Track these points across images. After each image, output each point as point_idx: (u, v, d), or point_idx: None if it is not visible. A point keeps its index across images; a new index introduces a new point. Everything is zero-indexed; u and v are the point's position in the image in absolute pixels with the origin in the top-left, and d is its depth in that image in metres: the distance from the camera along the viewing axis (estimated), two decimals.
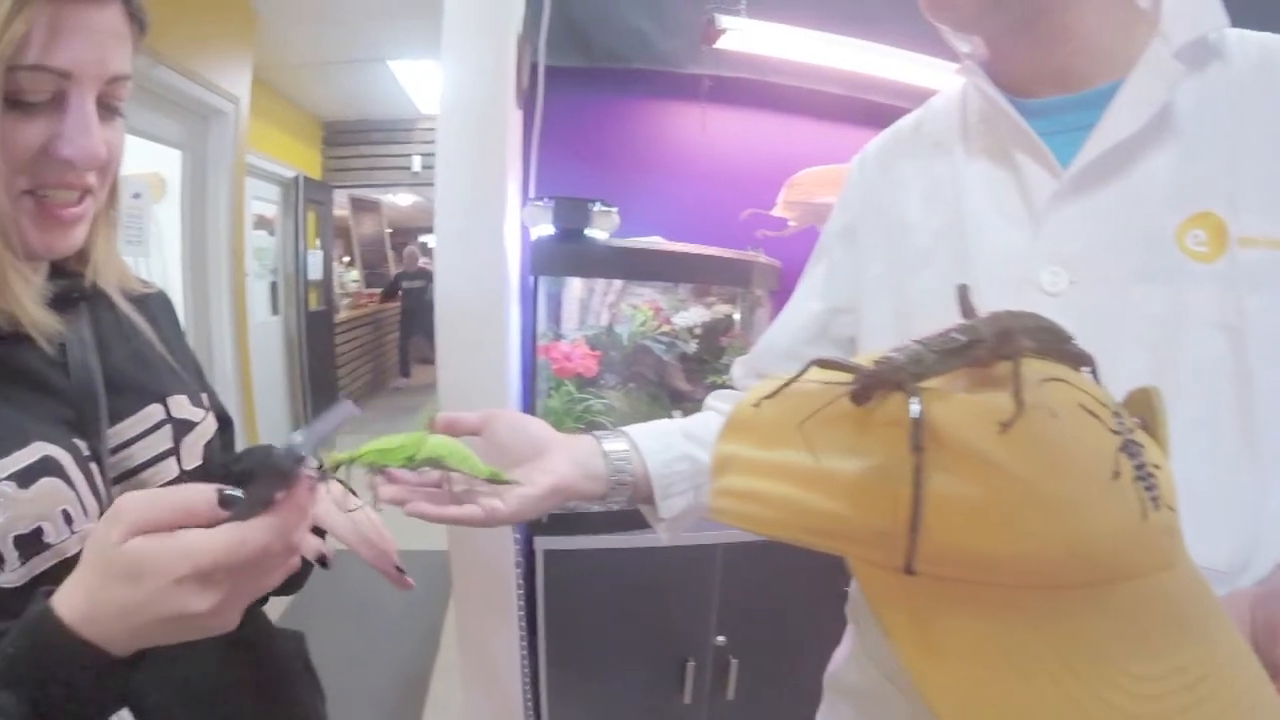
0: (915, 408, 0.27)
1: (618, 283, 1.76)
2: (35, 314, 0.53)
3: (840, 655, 0.78)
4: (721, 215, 2.00)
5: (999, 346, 0.30)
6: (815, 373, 0.33)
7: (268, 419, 4.54)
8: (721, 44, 1.90)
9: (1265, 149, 0.51)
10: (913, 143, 0.72)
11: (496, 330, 1.49)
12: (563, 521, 1.65)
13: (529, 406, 1.74)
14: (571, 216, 1.62)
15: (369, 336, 6.60)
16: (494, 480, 0.65)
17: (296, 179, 5.18)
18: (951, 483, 0.27)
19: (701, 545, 1.71)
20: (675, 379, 1.77)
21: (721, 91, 2.09)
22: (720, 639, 1.78)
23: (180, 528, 0.43)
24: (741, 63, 2.03)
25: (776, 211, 1.98)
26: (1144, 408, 0.34)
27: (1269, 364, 0.48)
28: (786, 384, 0.34)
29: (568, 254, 1.66)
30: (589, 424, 1.68)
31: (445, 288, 1.46)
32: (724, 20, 1.85)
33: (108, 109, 0.55)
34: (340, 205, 6.32)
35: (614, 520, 1.67)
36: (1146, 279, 0.52)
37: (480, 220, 1.48)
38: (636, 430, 0.78)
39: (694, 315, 1.73)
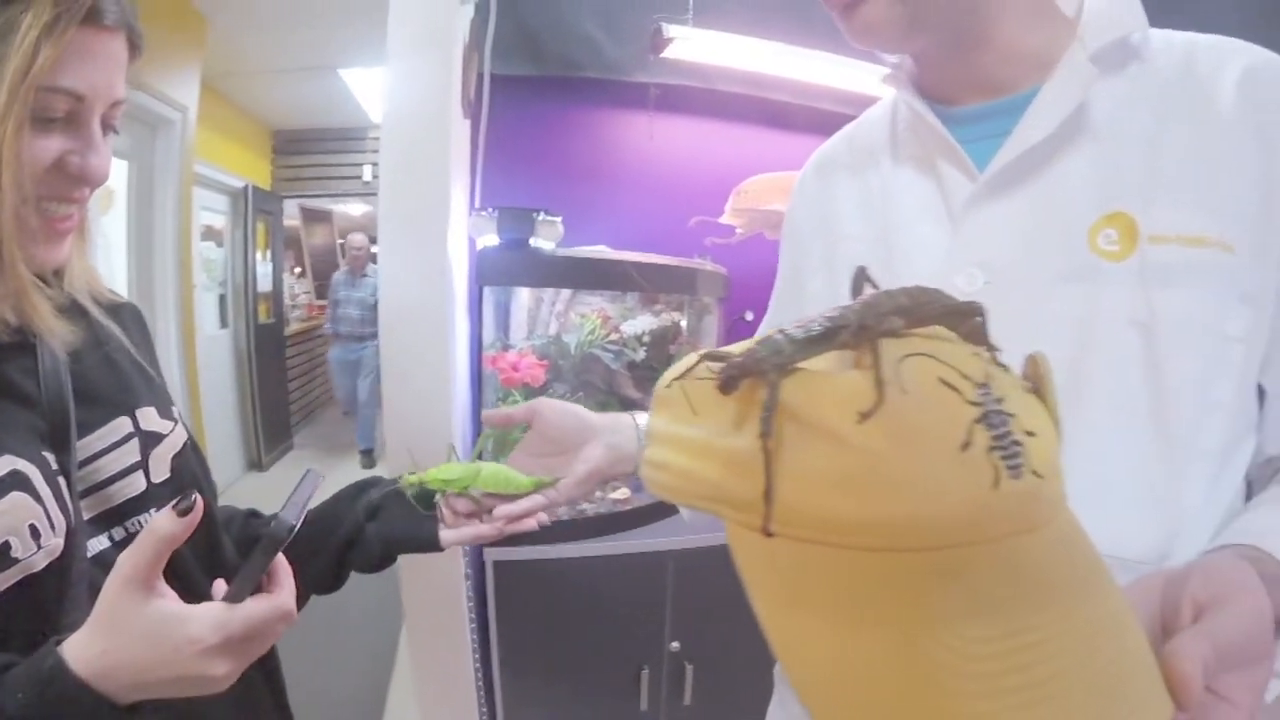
0: (764, 394, 0.30)
1: (566, 292, 1.76)
2: (54, 324, 0.57)
3: None
4: (670, 223, 2.02)
5: (862, 330, 0.32)
6: (705, 364, 0.36)
7: (217, 434, 4.43)
8: (669, 53, 1.92)
9: (1183, 149, 0.52)
10: (849, 155, 0.73)
11: (440, 341, 1.48)
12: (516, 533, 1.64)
13: (476, 418, 1.73)
14: (516, 226, 1.61)
15: (322, 349, 6.41)
16: (539, 487, 0.75)
17: (246, 189, 5.07)
18: (805, 457, 0.30)
19: (653, 552, 1.71)
20: (624, 387, 1.77)
21: (669, 100, 2.10)
22: (675, 645, 1.78)
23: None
24: (689, 71, 2.04)
25: (724, 219, 2.00)
26: (1035, 375, 0.35)
27: (1179, 359, 0.50)
28: (688, 370, 0.37)
29: (513, 264, 1.65)
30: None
31: (389, 298, 1.45)
32: (671, 29, 1.86)
33: (106, 129, 0.58)
34: (290, 215, 6.19)
35: (564, 530, 1.67)
36: (1061, 279, 0.53)
37: (424, 230, 1.47)
38: None
39: (642, 323, 1.74)
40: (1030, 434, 0.30)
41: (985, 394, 0.30)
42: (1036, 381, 0.35)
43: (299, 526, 0.53)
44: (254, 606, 0.50)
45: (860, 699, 0.28)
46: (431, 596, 1.60)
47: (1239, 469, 0.53)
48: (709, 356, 0.36)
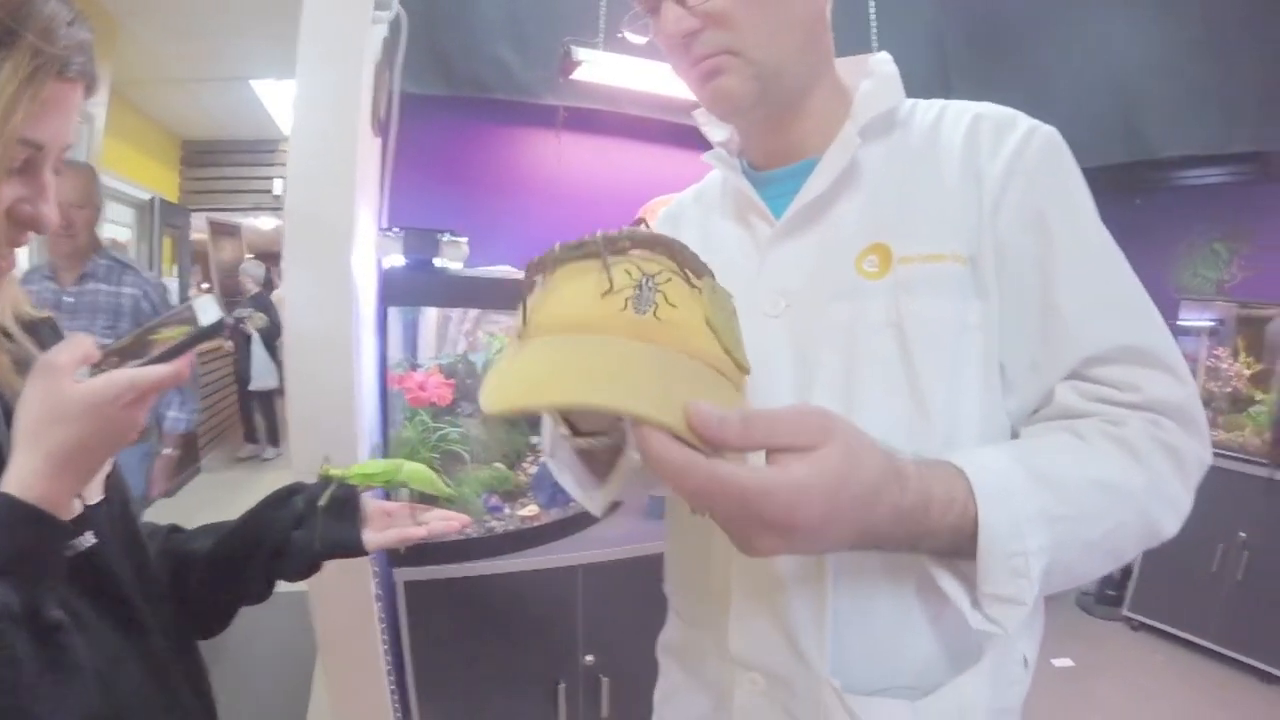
0: (525, 277, 0.58)
1: (474, 311, 1.77)
2: (12, 379, 0.60)
3: (666, 624, 0.91)
4: None
5: (604, 246, 0.52)
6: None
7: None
8: (577, 75, 1.96)
9: (926, 189, 0.65)
10: (694, 207, 0.87)
11: (345, 361, 1.47)
12: (422, 551, 1.64)
13: (384, 437, 1.73)
14: (421, 247, 1.62)
15: (230, 369, 6.17)
16: (451, 499, 0.82)
17: (152, 201, 4.88)
18: (541, 297, 0.53)
19: (563, 567, 1.73)
20: None
21: (578, 120, 2.14)
22: (589, 658, 1.81)
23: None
24: (598, 93, 2.08)
25: None
26: (714, 301, 0.54)
27: (924, 347, 0.62)
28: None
29: (418, 284, 1.66)
30: (444, 453, 1.68)
31: (294, 317, 1.43)
32: (580, 52, 1.90)
33: (55, 172, 0.60)
34: (198, 229, 5.95)
35: (474, 547, 1.67)
36: (835, 297, 0.66)
37: (329, 249, 1.45)
38: None
39: None
40: (672, 305, 0.50)
41: (644, 283, 0.50)
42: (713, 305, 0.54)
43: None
44: (155, 367, 0.57)
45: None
46: (344, 621, 1.58)
47: (1000, 432, 0.65)
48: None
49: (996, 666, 0.67)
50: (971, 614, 0.53)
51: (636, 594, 1.81)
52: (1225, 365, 3.21)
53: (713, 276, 0.55)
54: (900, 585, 0.64)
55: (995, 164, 0.63)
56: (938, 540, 0.52)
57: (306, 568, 0.81)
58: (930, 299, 0.63)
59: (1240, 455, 3.03)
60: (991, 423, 0.64)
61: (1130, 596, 3.43)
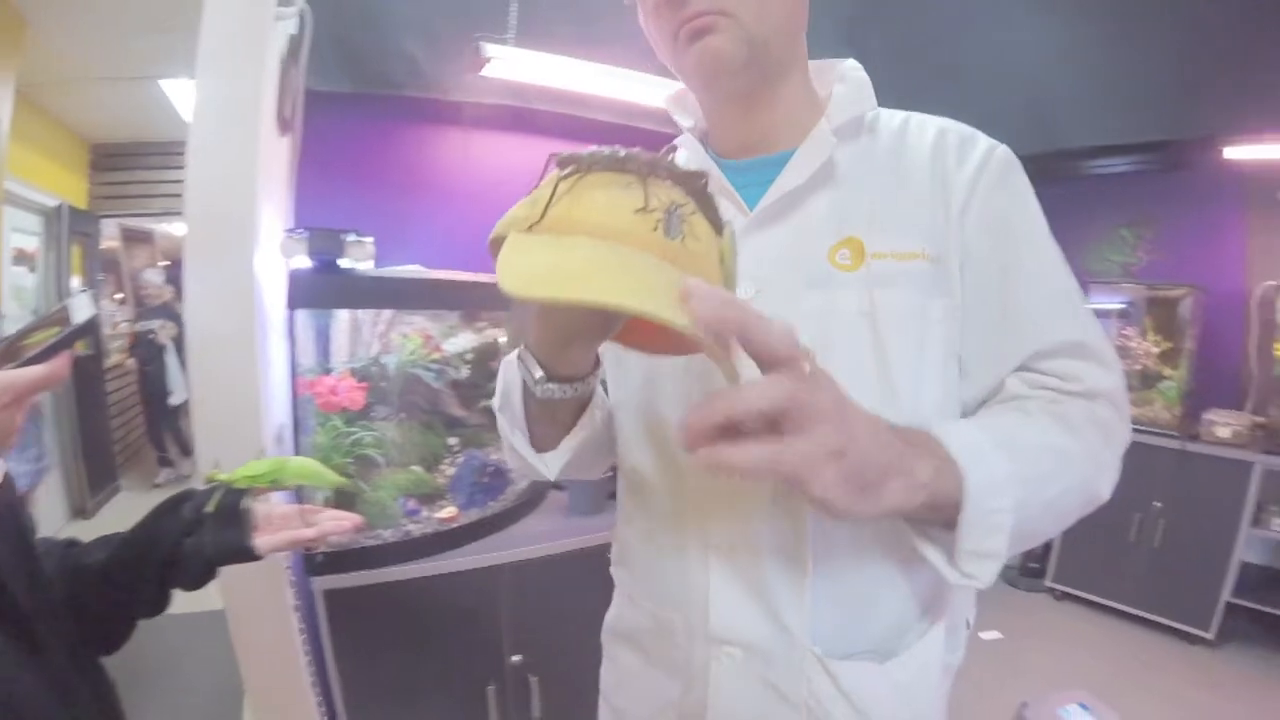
0: (553, 172, 0.54)
1: (388, 312, 1.73)
2: None
3: (611, 610, 0.91)
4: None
5: (646, 168, 0.52)
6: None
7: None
8: (487, 72, 1.93)
9: (893, 193, 0.70)
10: None
11: (250, 367, 1.42)
12: (340, 559, 1.60)
13: (295, 444, 1.68)
14: (325, 248, 1.57)
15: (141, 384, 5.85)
16: (341, 489, 0.82)
17: (60, 208, 4.65)
18: (568, 196, 0.52)
19: (484, 568, 1.71)
20: (448, 406, 1.77)
21: (490, 118, 2.11)
22: (517, 658, 1.79)
23: None
24: (509, 90, 2.06)
25: None
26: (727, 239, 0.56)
27: (894, 336, 0.67)
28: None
29: (325, 286, 1.61)
30: (358, 458, 1.64)
31: (196, 323, 1.38)
32: (489, 49, 1.87)
33: None
34: (110, 236, 5.69)
35: (392, 552, 1.64)
36: (808, 286, 0.69)
37: (231, 252, 1.41)
38: None
39: (464, 341, 1.73)
40: (696, 238, 0.51)
41: (673, 209, 0.51)
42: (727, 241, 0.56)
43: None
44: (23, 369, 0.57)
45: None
46: (264, 636, 1.53)
47: (955, 419, 0.69)
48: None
49: (949, 629, 0.75)
50: (949, 571, 0.56)
51: (560, 591, 1.81)
52: (1134, 344, 3.36)
53: (729, 226, 0.57)
54: (870, 555, 0.69)
55: (961, 174, 0.69)
56: (922, 485, 0.53)
57: (200, 576, 0.80)
58: (900, 293, 0.68)
59: (1152, 429, 3.18)
60: (949, 410, 0.70)
61: (1052, 568, 3.57)
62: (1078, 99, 3.00)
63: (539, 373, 0.69)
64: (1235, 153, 3.06)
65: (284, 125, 1.80)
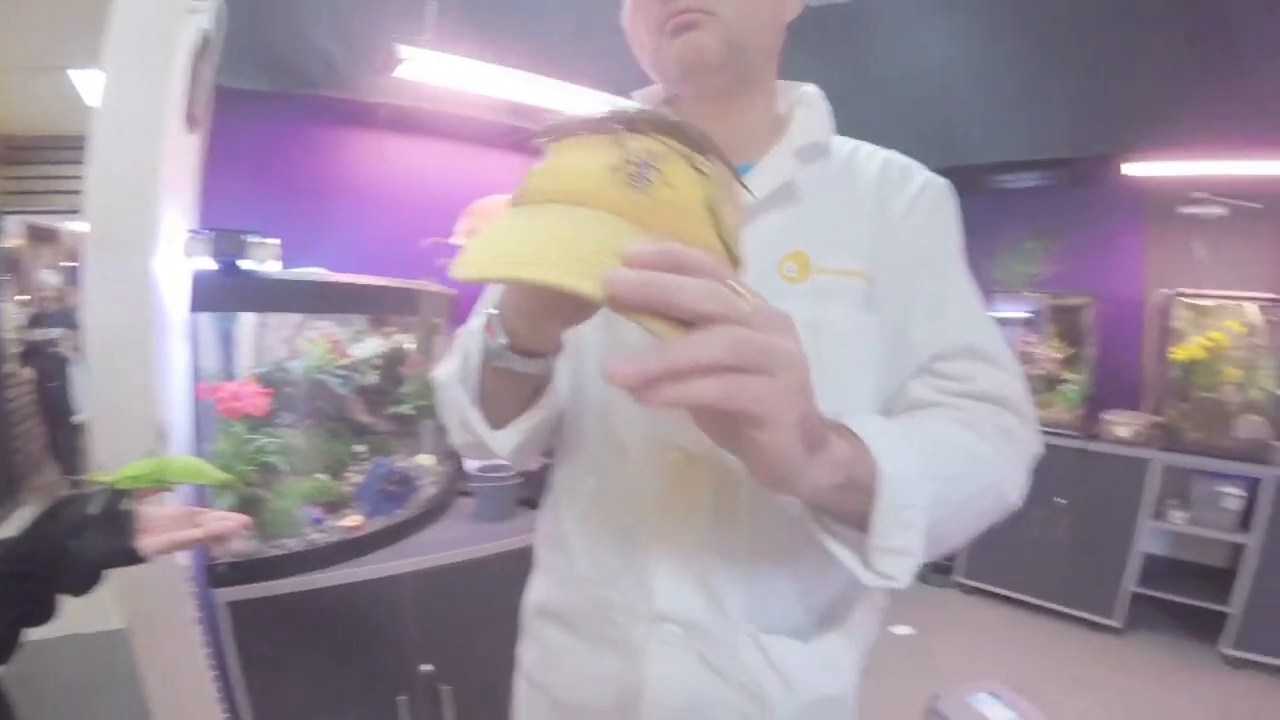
0: (542, 142, 0.53)
1: (295, 316, 1.70)
2: None
3: (536, 591, 0.92)
4: (404, 244, 2.00)
5: (627, 123, 0.51)
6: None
7: None
8: (401, 73, 1.91)
9: (839, 214, 0.75)
10: None
11: (146, 371, 1.39)
12: (244, 569, 1.56)
13: (197, 451, 1.63)
14: (227, 249, 1.54)
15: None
16: (226, 485, 0.81)
17: None
18: (542, 164, 0.52)
19: (391, 576, 1.69)
20: (355, 412, 1.74)
21: (405, 120, 2.09)
22: (427, 667, 1.77)
23: None
24: (425, 93, 2.04)
25: (455, 239, 2.01)
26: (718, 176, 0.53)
27: (836, 349, 0.69)
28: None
29: (228, 288, 1.57)
30: (261, 465, 1.60)
31: (94, 325, 1.34)
32: (404, 50, 1.85)
33: None
34: (14, 234, 5.41)
35: (297, 562, 1.60)
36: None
37: (131, 252, 1.37)
38: None
39: (372, 346, 1.71)
40: (670, 186, 0.48)
41: (645, 161, 0.49)
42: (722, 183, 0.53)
43: None
44: None
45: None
46: (167, 651, 1.48)
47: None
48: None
49: (864, 615, 0.81)
50: (865, 574, 0.56)
51: (470, 598, 1.81)
52: (1038, 351, 3.52)
53: (728, 163, 0.54)
54: (801, 546, 0.70)
55: (900, 201, 0.76)
56: (841, 463, 0.53)
57: (86, 580, 0.79)
58: (841, 308, 0.72)
59: (1054, 430, 3.33)
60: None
61: (961, 564, 3.71)
62: (987, 117, 3.13)
63: (503, 339, 0.66)
64: (1133, 169, 3.23)
65: (192, 122, 1.76)
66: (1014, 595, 3.55)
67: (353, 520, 1.72)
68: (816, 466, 0.49)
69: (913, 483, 0.55)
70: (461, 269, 0.43)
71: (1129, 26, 2.62)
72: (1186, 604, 3.14)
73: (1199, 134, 2.87)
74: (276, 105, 2.03)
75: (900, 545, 0.55)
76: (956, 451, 0.63)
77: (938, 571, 3.79)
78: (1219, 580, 3.13)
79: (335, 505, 1.75)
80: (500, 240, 0.47)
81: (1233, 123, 2.77)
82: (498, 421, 0.74)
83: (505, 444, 0.75)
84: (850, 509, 0.55)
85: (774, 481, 0.47)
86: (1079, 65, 2.81)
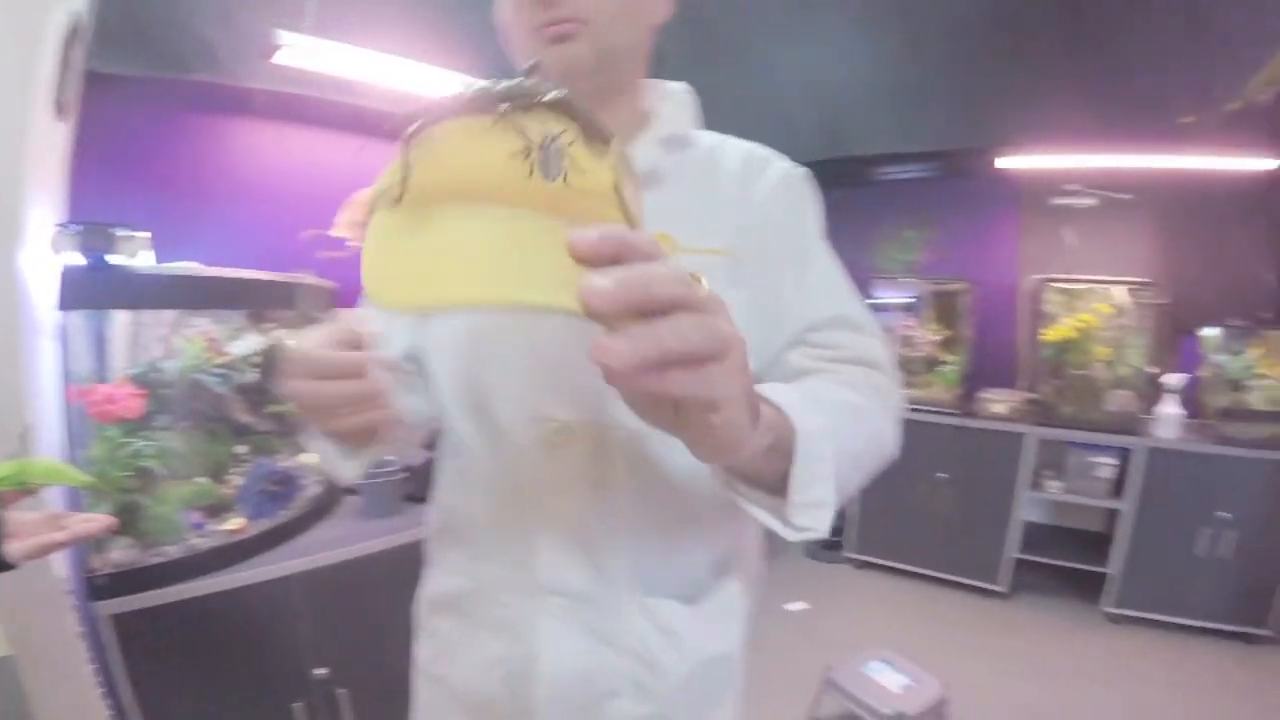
0: (413, 129, 0.45)
1: (169, 314, 1.63)
2: None
3: (428, 585, 0.93)
4: (284, 237, 1.94)
5: (500, 102, 0.45)
6: None
7: None
8: (279, 59, 1.85)
9: (703, 199, 0.80)
10: None
11: (12, 371, 1.33)
12: (125, 580, 1.49)
13: (70, 459, 1.54)
14: (95, 243, 1.46)
15: None
16: (88, 486, 0.81)
17: None
18: (427, 154, 0.44)
19: (278, 579, 1.66)
20: (235, 411, 1.69)
21: (286, 109, 2.03)
22: (321, 671, 1.74)
23: None
24: (306, 80, 1.98)
25: (336, 231, 1.97)
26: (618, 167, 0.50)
27: None
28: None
29: (98, 285, 1.50)
30: (139, 471, 1.53)
31: None
32: (283, 35, 1.80)
33: None
34: None
35: (178, 569, 1.55)
36: None
37: None
38: None
39: (251, 343, 1.66)
40: (581, 171, 0.46)
41: (548, 143, 0.45)
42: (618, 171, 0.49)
43: None
44: None
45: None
46: (51, 670, 1.42)
47: None
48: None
49: (744, 574, 0.86)
50: (786, 531, 0.58)
51: (361, 597, 1.80)
52: (917, 334, 3.73)
53: (617, 140, 0.50)
54: (681, 510, 0.78)
55: (760, 187, 0.81)
56: (770, 426, 0.53)
57: None
58: (709, 284, 0.72)
59: (934, 408, 3.54)
60: None
61: (852, 539, 3.88)
62: (867, 110, 3.27)
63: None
64: (1006, 162, 3.43)
65: (61, 110, 1.66)
66: (903, 567, 3.74)
67: (235, 523, 1.67)
68: (756, 434, 0.50)
69: (817, 436, 0.57)
70: (396, 294, 0.39)
71: (1004, 25, 2.77)
72: (1068, 567, 3.37)
73: (1071, 128, 3.07)
74: (149, 91, 1.94)
75: (817, 498, 0.57)
76: (844, 408, 0.66)
77: (829, 548, 3.93)
78: (1097, 544, 3.38)
79: (217, 509, 1.70)
80: (427, 255, 0.41)
81: (1103, 118, 2.98)
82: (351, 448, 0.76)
83: (354, 473, 0.79)
84: (771, 469, 0.56)
85: (715, 455, 0.47)
86: (956, 62, 2.95)
